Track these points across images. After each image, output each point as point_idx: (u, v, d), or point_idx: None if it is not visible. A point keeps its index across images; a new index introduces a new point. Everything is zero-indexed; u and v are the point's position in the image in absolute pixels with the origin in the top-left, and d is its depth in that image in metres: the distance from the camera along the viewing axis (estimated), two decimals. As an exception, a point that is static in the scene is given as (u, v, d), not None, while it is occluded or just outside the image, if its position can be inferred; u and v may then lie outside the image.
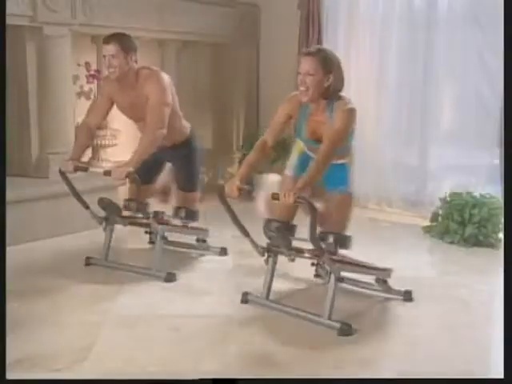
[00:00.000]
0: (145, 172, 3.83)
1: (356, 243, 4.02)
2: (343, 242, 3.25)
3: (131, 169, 3.59)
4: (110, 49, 3.62)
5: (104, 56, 3.69)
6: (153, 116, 3.65)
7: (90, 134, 3.90)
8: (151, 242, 4.18)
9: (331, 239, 3.21)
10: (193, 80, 6.14)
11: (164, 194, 4.20)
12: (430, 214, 4.85)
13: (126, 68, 3.66)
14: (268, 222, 3.16)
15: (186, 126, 4.02)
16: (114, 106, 3.91)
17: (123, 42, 3.65)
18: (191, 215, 4.02)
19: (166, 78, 3.76)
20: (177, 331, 2.95)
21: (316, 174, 3.05)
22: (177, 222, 4.04)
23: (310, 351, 2.78)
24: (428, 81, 5.37)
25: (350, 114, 3.11)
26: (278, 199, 2.97)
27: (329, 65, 3.11)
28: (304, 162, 3.32)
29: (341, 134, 3.09)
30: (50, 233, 4.41)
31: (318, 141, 3.17)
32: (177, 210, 4.01)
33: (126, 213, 3.86)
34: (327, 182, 3.27)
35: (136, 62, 3.72)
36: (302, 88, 3.11)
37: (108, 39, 3.65)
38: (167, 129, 3.70)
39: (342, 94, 3.21)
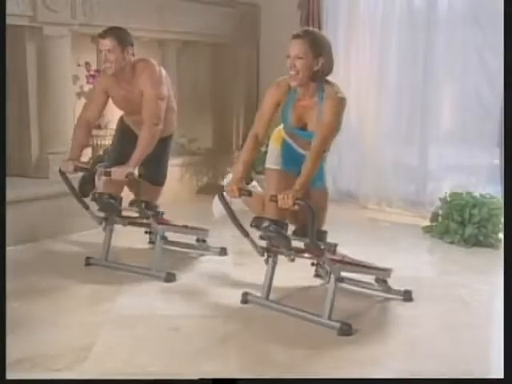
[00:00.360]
0: (116, 158, 3.84)
1: (356, 243, 4.04)
2: (319, 237, 3.21)
3: (131, 169, 3.60)
4: (107, 43, 3.61)
5: (101, 51, 3.69)
6: (148, 110, 3.65)
7: (88, 131, 3.90)
8: (151, 241, 4.18)
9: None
10: (193, 80, 6.14)
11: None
12: (429, 214, 4.85)
13: (122, 63, 3.65)
14: (258, 219, 3.09)
15: (175, 122, 4.03)
16: (110, 102, 3.90)
17: (120, 36, 3.64)
18: (151, 208, 3.89)
19: (161, 71, 3.76)
20: (177, 331, 2.95)
21: (312, 172, 3.03)
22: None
23: (310, 351, 2.77)
24: (428, 81, 5.37)
25: (341, 103, 3.05)
26: (276, 201, 2.95)
27: (319, 47, 3.04)
28: (287, 152, 3.25)
29: (332, 127, 3.04)
30: (50, 233, 4.41)
31: (303, 128, 3.14)
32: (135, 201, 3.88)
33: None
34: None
35: (133, 55, 3.71)
36: (291, 72, 3.04)
37: (104, 34, 3.64)
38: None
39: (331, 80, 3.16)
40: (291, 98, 3.16)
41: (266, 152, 3.40)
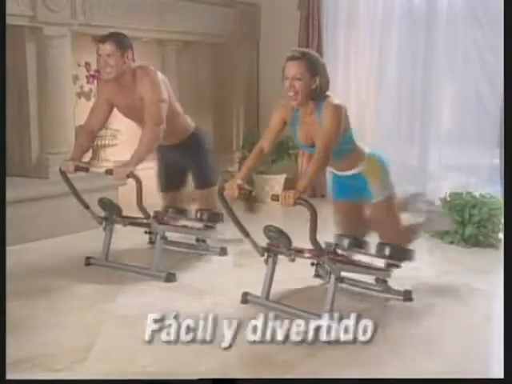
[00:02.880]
0: (170, 178, 4.08)
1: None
2: (401, 254, 3.34)
3: (132, 168, 3.61)
4: (106, 48, 3.63)
5: (100, 56, 3.71)
6: (150, 113, 3.66)
7: (91, 137, 3.92)
8: (151, 241, 4.18)
9: (387, 251, 3.32)
10: (193, 80, 6.14)
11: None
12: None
13: (122, 67, 3.66)
14: (340, 237, 3.39)
15: (189, 121, 4.03)
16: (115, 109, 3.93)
17: (118, 40, 3.66)
18: (213, 217, 4.04)
19: (159, 75, 3.77)
20: (177, 331, 2.95)
21: (313, 175, 3.08)
22: (199, 225, 4.10)
23: (310, 351, 2.77)
24: (428, 81, 5.38)
25: (338, 109, 3.08)
26: (277, 200, 2.98)
27: (315, 67, 3.10)
28: None
29: (331, 131, 3.06)
30: (50, 233, 4.41)
31: (313, 146, 3.17)
32: (198, 212, 4.06)
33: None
34: (339, 192, 3.44)
35: (133, 60, 3.73)
36: (290, 93, 3.11)
37: (103, 38, 3.67)
38: (169, 127, 3.72)
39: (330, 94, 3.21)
40: (296, 116, 3.23)
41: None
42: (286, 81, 3.11)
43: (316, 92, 3.11)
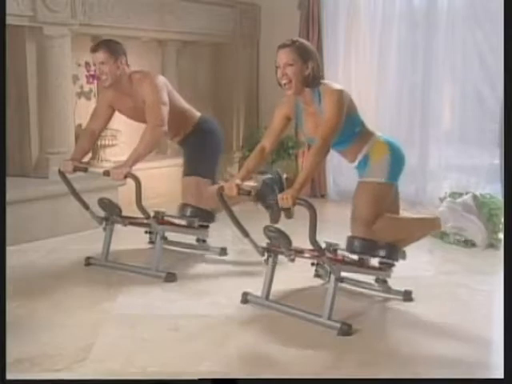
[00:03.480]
0: None
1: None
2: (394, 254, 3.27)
3: (129, 169, 3.61)
4: (99, 56, 3.65)
5: (95, 64, 3.73)
6: (151, 115, 3.67)
7: (93, 139, 3.95)
8: (151, 241, 4.18)
9: (382, 252, 3.24)
10: (193, 80, 6.14)
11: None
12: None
13: (117, 73, 3.68)
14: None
15: (194, 114, 4.04)
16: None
17: (111, 47, 3.68)
18: (197, 214, 3.94)
19: (159, 78, 3.79)
20: (177, 331, 2.95)
21: (311, 171, 3.06)
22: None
23: (310, 351, 2.77)
24: (428, 81, 5.38)
25: (337, 94, 3.05)
26: (276, 202, 2.98)
27: (306, 53, 3.08)
28: None
29: (330, 120, 3.02)
30: (50, 233, 4.41)
31: None
32: (182, 207, 3.99)
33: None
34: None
35: (128, 65, 3.75)
36: (283, 81, 3.08)
37: (95, 47, 3.69)
38: (174, 125, 3.75)
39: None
40: (300, 109, 3.21)
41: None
42: (278, 70, 3.10)
43: (310, 78, 3.08)
